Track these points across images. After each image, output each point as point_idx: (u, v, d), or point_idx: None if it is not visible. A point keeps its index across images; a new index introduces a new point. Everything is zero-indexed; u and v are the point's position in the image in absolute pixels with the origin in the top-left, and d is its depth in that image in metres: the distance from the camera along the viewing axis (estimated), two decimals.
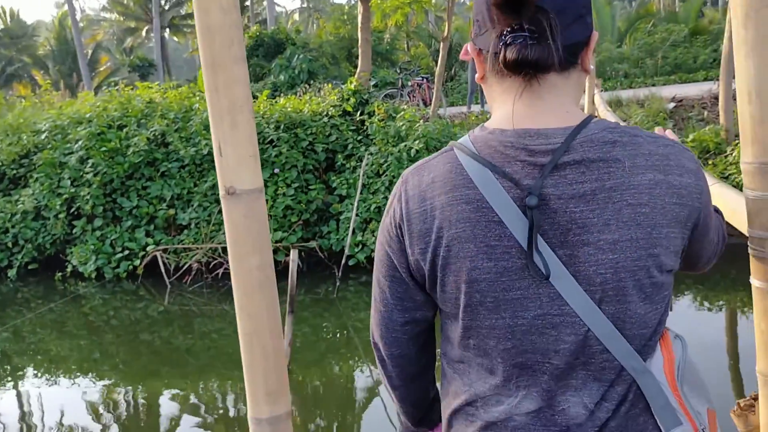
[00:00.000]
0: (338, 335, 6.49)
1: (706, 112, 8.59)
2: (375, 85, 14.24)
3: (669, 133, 1.10)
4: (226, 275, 7.67)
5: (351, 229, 7.05)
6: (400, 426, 1.27)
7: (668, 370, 0.98)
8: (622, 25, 21.13)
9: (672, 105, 8.92)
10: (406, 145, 7.55)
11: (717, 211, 1.09)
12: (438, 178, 0.96)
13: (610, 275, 0.90)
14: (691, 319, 5.77)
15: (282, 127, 8.40)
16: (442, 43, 8.59)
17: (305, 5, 55.17)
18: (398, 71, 13.15)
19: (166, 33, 38.43)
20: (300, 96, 9.94)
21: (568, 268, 0.91)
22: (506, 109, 0.96)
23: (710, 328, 5.69)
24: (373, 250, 7.43)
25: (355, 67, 23.03)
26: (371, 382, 5.25)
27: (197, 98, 9.66)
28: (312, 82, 20.26)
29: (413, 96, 12.18)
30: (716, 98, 9.27)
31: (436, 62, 22.25)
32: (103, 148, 8.29)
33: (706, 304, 6.34)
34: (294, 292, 4.65)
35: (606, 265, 0.90)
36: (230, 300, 6.36)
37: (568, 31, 0.90)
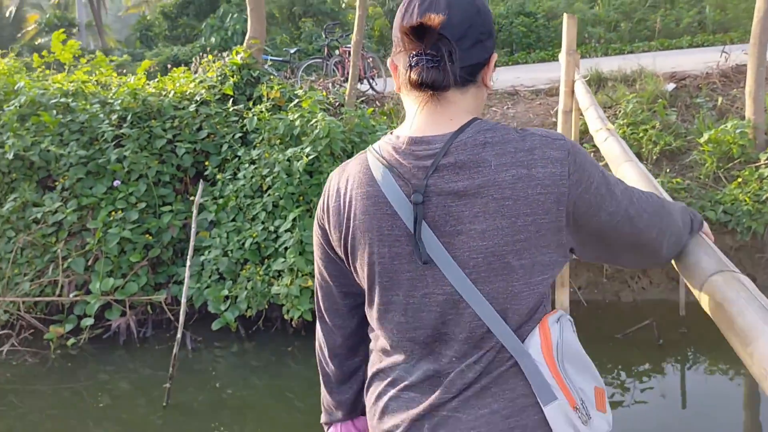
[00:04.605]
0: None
1: (720, 99, 6.30)
2: (297, 53, 11.62)
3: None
4: (28, 342, 5.22)
5: (187, 275, 4.65)
6: (324, 415, 1.44)
7: (546, 350, 1.09)
8: None
9: (672, 86, 6.61)
10: (296, 152, 5.09)
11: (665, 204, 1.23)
12: (351, 176, 1.16)
13: (481, 259, 1.06)
14: None
15: (129, 118, 5.86)
16: (358, 1, 6.08)
17: None
18: (324, 35, 10.44)
19: None
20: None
21: (449, 252, 1.06)
22: (410, 117, 1.15)
23: None
24: (249, 306, 5.06)
25: (299, 29, 20.23)
26: None
27: (32, 74, 7.02)
28: None
29: (341, 67, 9.59)
30: (727, 77, 7.00)
31: (391, 23, 19.54)
32: None
33: None
34: None
35: (477, 250, 1.06)
36: (52, 378, 3.82)
37: (466, 54, 1.09)
